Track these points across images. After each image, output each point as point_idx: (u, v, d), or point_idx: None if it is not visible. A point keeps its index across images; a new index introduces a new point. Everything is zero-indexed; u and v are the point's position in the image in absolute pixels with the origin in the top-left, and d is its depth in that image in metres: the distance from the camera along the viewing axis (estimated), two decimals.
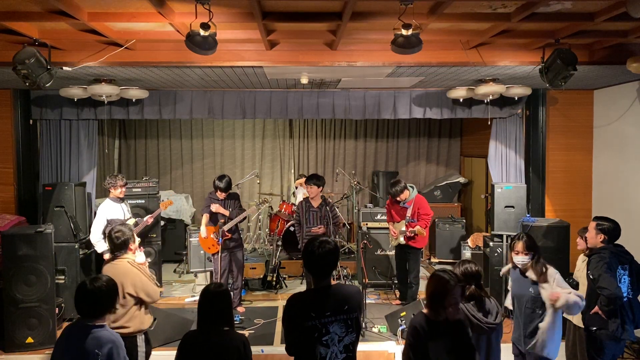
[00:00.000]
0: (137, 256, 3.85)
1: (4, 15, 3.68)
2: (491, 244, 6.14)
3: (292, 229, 7.51)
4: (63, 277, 5.70)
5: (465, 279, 3.34)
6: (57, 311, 5.28)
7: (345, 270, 7.01)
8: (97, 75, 5.36)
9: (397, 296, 6.54)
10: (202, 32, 3.46)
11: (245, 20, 3.84)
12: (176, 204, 8.27)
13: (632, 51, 4.73)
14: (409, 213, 6.03)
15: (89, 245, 5.92)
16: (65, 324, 5.30)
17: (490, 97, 6.03)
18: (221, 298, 2.97)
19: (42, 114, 6.42)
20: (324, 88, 6.53)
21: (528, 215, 6.08)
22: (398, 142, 9.79)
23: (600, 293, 3.74)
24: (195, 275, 7.04)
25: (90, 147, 6.69)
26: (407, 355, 2.85)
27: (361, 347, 3.25)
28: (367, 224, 7.01)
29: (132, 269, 3.67)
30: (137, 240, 3.92)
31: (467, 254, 7.34)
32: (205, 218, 5.92)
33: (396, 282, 6.61)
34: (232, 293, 5.30)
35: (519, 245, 3.68)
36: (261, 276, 7.17)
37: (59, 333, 5.02)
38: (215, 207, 5.80)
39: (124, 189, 5.75)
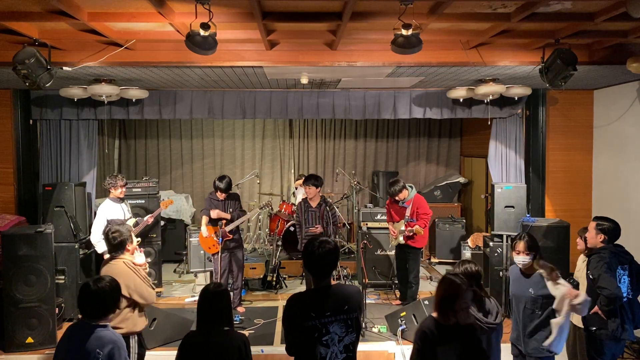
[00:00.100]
0: (135, 257, 3.80)
1: (4, 15, 3.67)
2: (491, 244, 6.14)
3: (292, 229, 7.52)
4: (63, 277, 5.70)
5: (465, 279, 3.34)
6: (57, 311, 5.27)
7: (345, 270, 7.00)
8: (97, 75, 5.36)
9: (397, 296, 6.54)
10: (202, 32, 3.46)
11: (245, 20, 3.84)
12: (176, 204, 8.27)
13: (632, 51, 4.73)
14: (408, 213, 6.04)
15: (89, 245, 5.92)
16: (65, 324, 5.31)
17: (490, 97, 6.03)
18: (220, 298, 2.97)
19: (42, 114, 6.42)
20: (324, 88, 6.53)
21: (528, 215, 6.07)
22: (398, 142, 9.79)
23: (600, 293, 3.74)
24: (195, 275, 7.04)
25: (90, 147, 6.68)
26: None
27: (361, 347, 3.25)
28: (367, 224, 7.00)
29: (127, 270, 3.61)
30: (136, 240, 3.88)
31: (467, 254, 7.33)
32: (205, 218, 5.92)
33: (396, 282, 6.61)
34: (232, 293, 5.32)
35: (521, 245, 3.67)
36: (261, 276, 7.17)
37: (59, 333, 5.05)
38: (215, 214, 5.79)
39: (124, 189, 5.76)
